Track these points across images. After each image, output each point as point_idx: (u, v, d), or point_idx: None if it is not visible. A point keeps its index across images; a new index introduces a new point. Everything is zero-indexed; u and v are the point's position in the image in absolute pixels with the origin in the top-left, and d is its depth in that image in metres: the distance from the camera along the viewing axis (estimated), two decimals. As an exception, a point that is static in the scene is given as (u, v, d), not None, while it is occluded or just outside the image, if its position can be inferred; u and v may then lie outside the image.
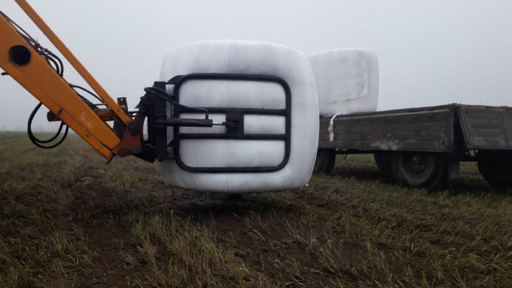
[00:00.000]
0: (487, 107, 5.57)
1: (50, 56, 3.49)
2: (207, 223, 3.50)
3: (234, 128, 3.51)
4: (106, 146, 3.41)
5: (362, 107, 8.03)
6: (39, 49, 3.36)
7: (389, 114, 6.41)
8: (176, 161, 3.57)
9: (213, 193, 4.90)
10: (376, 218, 3.86)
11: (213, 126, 3.41)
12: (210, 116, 3.43)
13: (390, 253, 2.76)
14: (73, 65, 3.32)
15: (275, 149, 3.71)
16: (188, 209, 4.17)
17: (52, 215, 3.71)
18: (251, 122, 3.58)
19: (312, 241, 2.93)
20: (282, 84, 3.68)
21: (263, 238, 3.08)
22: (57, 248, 2.67)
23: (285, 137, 3.74)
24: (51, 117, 3.32)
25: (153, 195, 4.94)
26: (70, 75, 3.63)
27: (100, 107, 3.69)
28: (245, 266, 2.45)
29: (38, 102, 3.37)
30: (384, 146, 6.47)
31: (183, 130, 3.53)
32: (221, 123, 3.46)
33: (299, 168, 3.85)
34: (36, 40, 3.37)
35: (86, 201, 4.54)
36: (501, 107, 5.68)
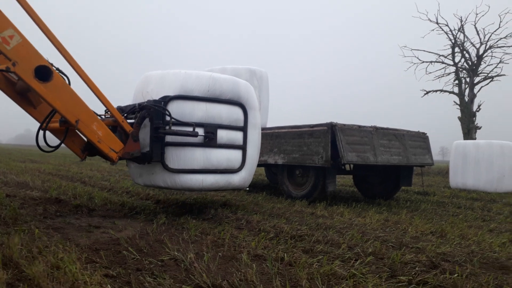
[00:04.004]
0: (359, 126, 6.19)
1: (60, 73, 3.89)
2: (78, 242, 3.24)
3: (211, 139, 4.41)
4: (113, 150, 4.06)
5: (253, 123, 8.30)
6: (52, 67, 3.76)
7: (276, 130, 6.74)
8: (161, 164, 4.26)
9: (189, 191, 5.82)
10: (257, 229, 3.99)
11: (191, 136, 4.23)
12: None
13: (264, 264, 2.86)
14: (85, 82, 3.86)
15: (237, 156, 4.75)
16: (59, 228, 3.81)
17: None
18: (222, 135, 4.55)
19: (189, 256, 2.90)
20: (242, 108, 4.77)
21: (138, 257, 2.95)
22: None
23: (243, 148, 4.81)
24: (64, 123, 4.05)
25: (20, 213, 4.42)
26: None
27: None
28: (114, 287, 2.32)
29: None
30: (271, 160, 6.76)
31: (169, 138, 4.26)
32: (203, 134, 4.37)
33: (250, 171, 4.97)
34: (47, 59, 3.71)
35: None
36: (370, 127, 6.35)
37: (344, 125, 5.97)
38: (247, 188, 4.70)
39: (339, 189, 9.09)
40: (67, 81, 3.93)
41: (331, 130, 5.84)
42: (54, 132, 4.31)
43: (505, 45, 19.71)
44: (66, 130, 4.19)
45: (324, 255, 3.12)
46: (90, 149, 4.39)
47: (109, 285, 2.32)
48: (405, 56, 22.23)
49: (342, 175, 9.14)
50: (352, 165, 7.26)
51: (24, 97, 4.25)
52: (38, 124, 4.27)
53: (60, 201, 5.34)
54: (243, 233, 3.77)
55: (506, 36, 19.52)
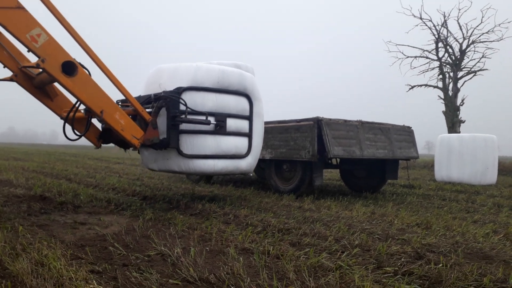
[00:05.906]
0: (345, 121, 6.23)
1: (82, 67, 4.03)
2: (63, 239, 3.20)
3: (221, 127, 4.76)
4: (135, 137, 4.36)
5: (240, 118, 8.27)
6: (76, 62, 3.91)
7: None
8: (176, 150, 4.61)
9: (202, 175, 6.42)
10: (244, 224, 3.99)
11: (204, 124, 4.58)
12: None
13: (251, 258, 2.86)
14: (106, 75, 4.12)
15: (244, 143, 5.12)
16: (43, 225, 3.76)
17: None
18: (230, 123, 4.90)
19: (176, 251, 2.88)
20: (248, 99, 5.14)
21: (125, 252, 2.93)
22: None
23: (249, 135, 5.19)
24: (88, 112, 4.30)
25: (3, 210, 4.34)
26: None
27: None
28: (99, 283, 2.29)
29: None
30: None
31: (183, 126, 4.57)
32: (215, 123, 4.70)
33: (255, 157, 5.36)
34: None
35: None
36: (356, 121, 6.39)
37: (330, 119, 6.00)
38: (251, 174, 5.13)
39: (326, 183, 9.15)
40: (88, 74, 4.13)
41: (317, 125, 5.86)
42: (72, 123, 4.62)
43: (487, 40, 19.98)
44: (88, 120, 4.51)
45: (311, 248, 3.13)
46: (105, 137, 4.73)
47: (94, 281, 2.29)
48: (390, 51, 22.37)
49: (329, 169, 9.18)
50: (338, 159, 7.30)
51: (41, 90, 4.52)
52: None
53: (44, 198, 5.26)
54: (231, 227, 3.77)
55: (488, 31, 19.77)
